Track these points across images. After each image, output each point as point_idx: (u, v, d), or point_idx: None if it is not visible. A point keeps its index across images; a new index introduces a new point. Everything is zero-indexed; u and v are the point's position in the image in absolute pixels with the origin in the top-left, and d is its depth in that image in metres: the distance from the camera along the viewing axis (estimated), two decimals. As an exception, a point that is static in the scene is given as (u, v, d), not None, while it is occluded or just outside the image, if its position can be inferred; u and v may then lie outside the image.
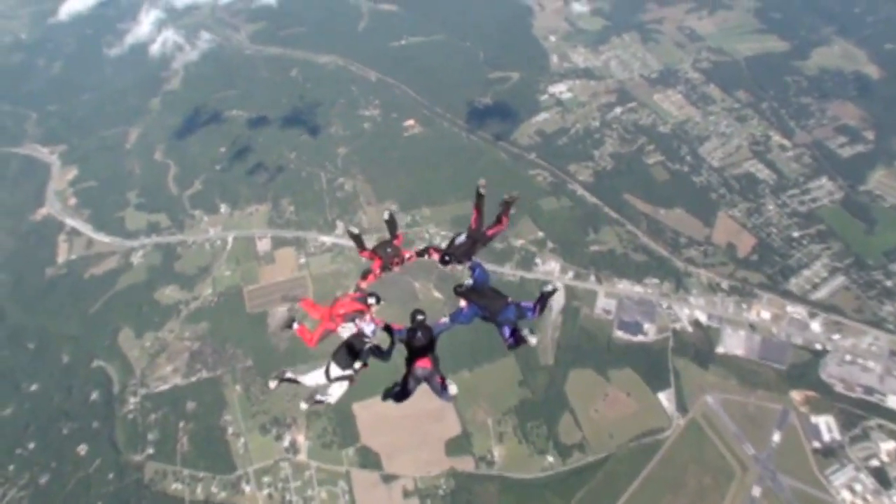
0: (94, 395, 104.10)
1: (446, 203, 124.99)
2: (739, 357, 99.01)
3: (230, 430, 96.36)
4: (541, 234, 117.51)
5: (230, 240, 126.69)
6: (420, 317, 18.86)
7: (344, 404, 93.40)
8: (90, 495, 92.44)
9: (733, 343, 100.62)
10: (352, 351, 18.73)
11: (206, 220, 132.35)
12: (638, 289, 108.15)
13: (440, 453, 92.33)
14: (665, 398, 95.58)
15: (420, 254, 21.79)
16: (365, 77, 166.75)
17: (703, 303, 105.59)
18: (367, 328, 19.28)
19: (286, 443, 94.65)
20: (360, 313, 19.68)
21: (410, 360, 18.55)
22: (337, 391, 18.79)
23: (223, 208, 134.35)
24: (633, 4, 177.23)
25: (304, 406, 19.13)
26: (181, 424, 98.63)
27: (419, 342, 18.52)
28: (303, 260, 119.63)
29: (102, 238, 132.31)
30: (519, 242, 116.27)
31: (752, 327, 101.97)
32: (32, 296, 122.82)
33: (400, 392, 18.65)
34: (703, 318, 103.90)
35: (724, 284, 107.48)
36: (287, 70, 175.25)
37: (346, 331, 19.45)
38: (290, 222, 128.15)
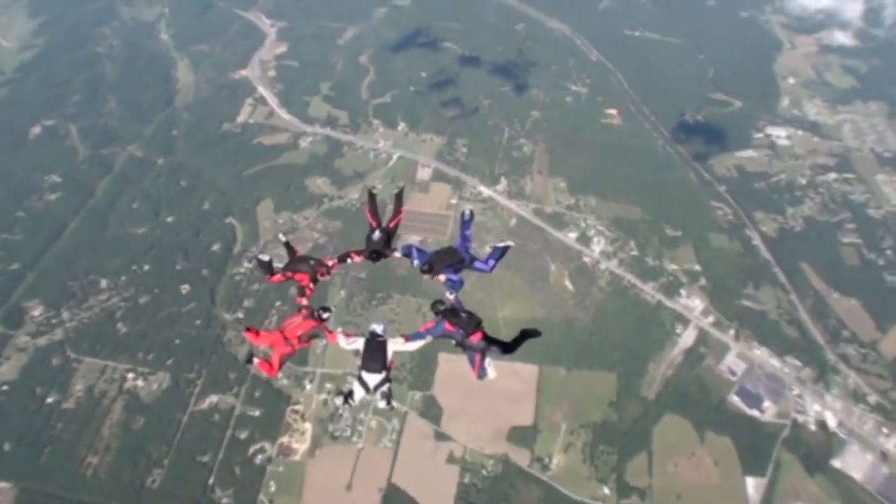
0: (216, 247, 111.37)
1: (615, 200, 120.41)
2: (854, 480, 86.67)
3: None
4: (698, 267, 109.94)
5: (395, 157, 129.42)
6: (441, 306, 18.82)
7: (431, 351, 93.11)
8: (173, 330, 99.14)
9: (854, 463, 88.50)
10: (376, 352, 18.38)
11: (381, 132, 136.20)
12: (775, 362, 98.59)
13: (501, 436, 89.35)
14: (753, 486, 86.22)
15: (342, 259, 21.58)
16: (586, 54, 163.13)
17: (839, 406, 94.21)
18: (378, 327, 18.94)
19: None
20: (317, 331, 19.47)
21: (464, 339, 18.48)
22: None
23: (401, 126, 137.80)
24: (894, 76, 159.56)
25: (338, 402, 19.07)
26: (277, 304, 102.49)
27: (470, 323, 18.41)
28: (454, 201, 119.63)
29: (283, 114, 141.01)
30: (671, 266, 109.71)
31: (884, 456, 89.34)
32: (203, 141, 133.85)
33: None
34: (832, 422, 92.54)
35: (872, 399, 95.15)
36: (513, 22, 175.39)
37: (350, 343, 19.17)
38: (457, 162, 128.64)
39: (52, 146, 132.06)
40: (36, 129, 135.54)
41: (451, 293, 19.69)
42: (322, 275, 21.19)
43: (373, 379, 18.01)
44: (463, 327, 18.25)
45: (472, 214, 21.33)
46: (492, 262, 20.16)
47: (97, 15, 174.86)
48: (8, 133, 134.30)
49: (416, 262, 20.15)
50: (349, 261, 21.50)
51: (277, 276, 21.49)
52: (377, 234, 20.84)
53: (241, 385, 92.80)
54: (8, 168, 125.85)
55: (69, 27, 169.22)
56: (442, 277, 19.83)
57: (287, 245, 22.29)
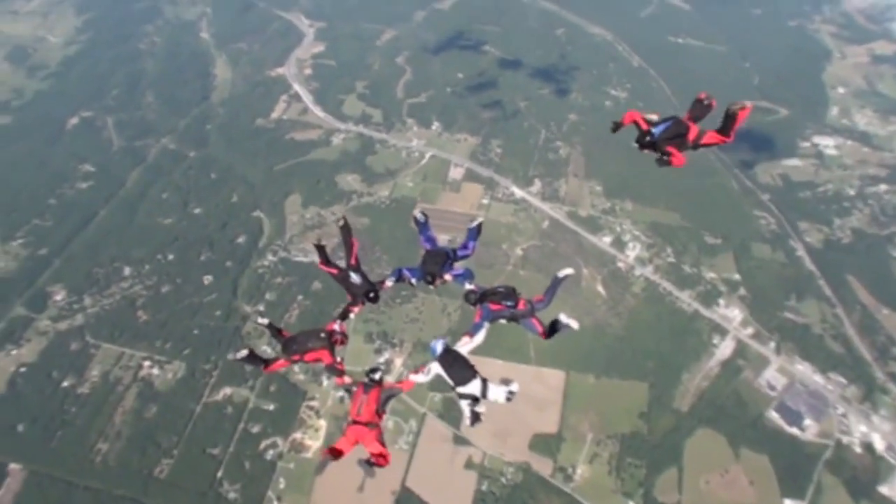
0: (241, 239, 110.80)
1: (653, 206, 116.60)
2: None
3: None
4: (737, 276, 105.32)
5: (427, 156, 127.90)
6: (474, 295, 19.52)
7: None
8: (193, 320, 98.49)
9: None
10: (456, 362, 17.87)
11: (415, 131, 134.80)
12: (818, 378, 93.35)
13: (523, 443, 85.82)
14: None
15: (343, 317, 20.79)
16: (627, 60, 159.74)
17: (887, 428, 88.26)
18: (438, 345, 18.40)
19: (382, 359, 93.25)
20: (389, 392, 18.29)
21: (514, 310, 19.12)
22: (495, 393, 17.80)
23: (435, 126, 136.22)
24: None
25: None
26: (299, 298, 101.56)
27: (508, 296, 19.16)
28: (486, 201, 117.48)
29: (317, 111, 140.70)
30: (710, 275, 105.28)
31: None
32: (236, 136, 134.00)
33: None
34: (879, 444, 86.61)
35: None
36: (554, 27, 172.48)
37: (427, 375, 18.36)
38: (490, 162, 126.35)
39: (89, 137, 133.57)
40: (74, 120, 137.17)
41: (469, 283, 20.04)
42: (340, 342, 19.83)
43: (474, 387, 17.47)
44: (507, 299, 18.87)
45: (425, 216, 21.49)
46: (471, 244, 20.99)
47: (142, 13, 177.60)
48: (47, 123, 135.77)
49: (413, 280, 20.32)
50: (351, 315, 21.11)
51: (280, 362, 19.51)
52: (354, 276, 20.34)
53: (256, 378, 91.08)
54: (44, 157, 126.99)
55: (114, 24, 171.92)
56: (448, 277, 20.18)
57: (271, 326, 20.28)
